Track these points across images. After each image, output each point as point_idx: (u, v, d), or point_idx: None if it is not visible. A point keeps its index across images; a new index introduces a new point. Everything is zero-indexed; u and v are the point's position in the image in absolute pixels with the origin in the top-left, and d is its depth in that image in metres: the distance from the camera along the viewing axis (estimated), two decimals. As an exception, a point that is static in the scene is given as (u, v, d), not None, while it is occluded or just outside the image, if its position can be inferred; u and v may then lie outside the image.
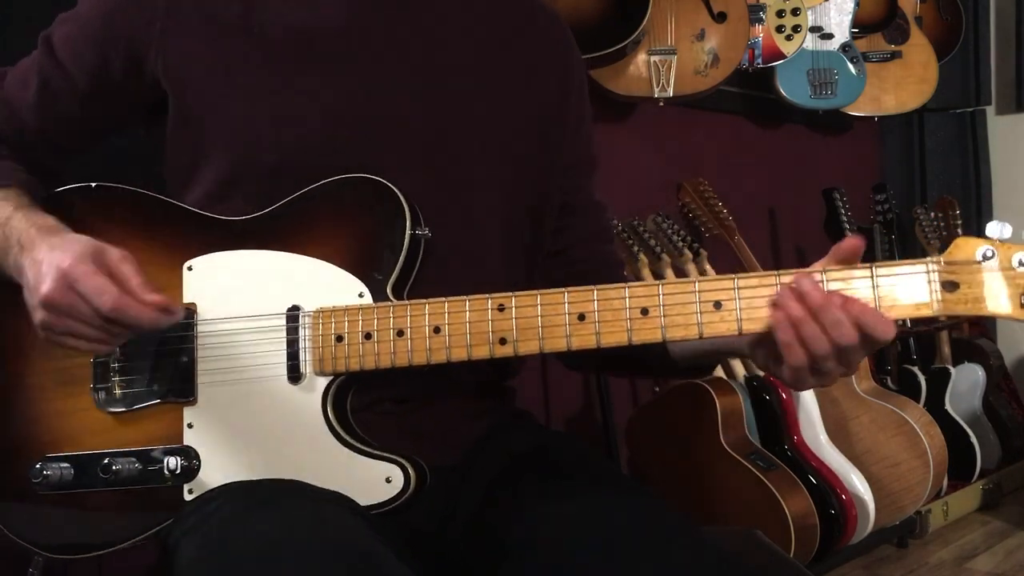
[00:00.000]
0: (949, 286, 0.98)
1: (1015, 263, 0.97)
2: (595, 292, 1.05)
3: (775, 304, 1.00)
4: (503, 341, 1.06)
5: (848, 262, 1.01)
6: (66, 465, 1.14)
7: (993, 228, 0.98)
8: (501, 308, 1.06)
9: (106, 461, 1.12)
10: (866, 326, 0.97)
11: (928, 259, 0.99)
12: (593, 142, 1.39)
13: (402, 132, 1.20)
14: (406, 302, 1.10)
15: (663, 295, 1.03)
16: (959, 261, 0.98)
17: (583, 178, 1.37)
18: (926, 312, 0.98)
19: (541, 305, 1.05)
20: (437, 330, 1.07)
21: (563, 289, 1.06)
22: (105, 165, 1.27)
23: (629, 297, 1.04)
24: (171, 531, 1.11)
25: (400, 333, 1.08)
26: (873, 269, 1.00)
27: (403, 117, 1.20)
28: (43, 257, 1.08)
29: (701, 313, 1.02)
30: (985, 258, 0.97)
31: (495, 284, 1.10)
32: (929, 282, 0.99)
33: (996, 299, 0.97)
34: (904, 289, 0.99)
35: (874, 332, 0.97)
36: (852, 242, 1.01)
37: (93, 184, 1.21)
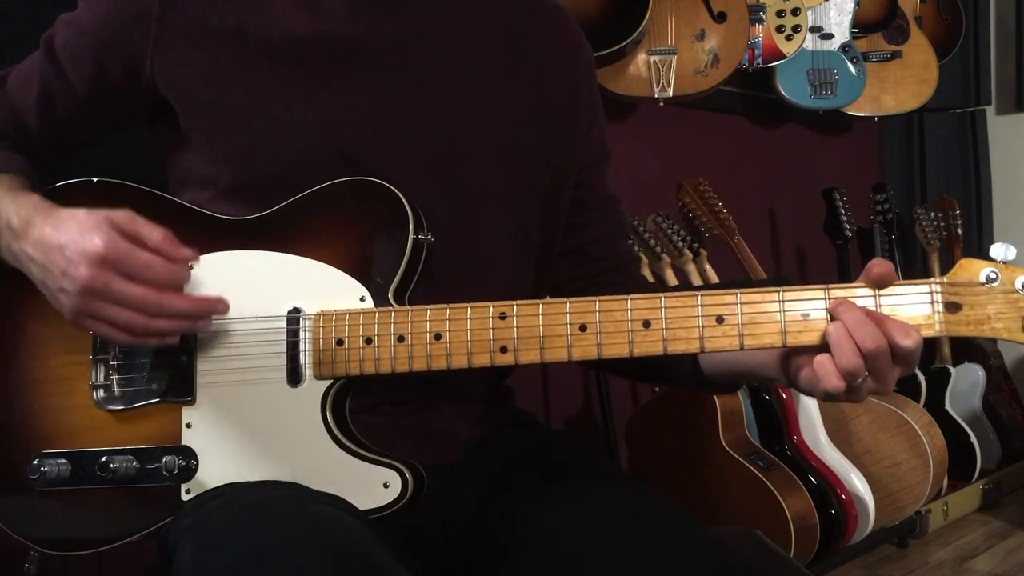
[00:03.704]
0: (952, 307, 0.98)
1: (1018, 286, 0.97)
2: (597, 303, 1.04)
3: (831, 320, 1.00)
4: (504, 349, 1.06)
5: (880, 286, 1.00)
6: (63, 462, 1.14)
7: (997, 250, 0.98)
8: (503, 316, 1.06)
9: (104, 459, 1.12)
10: (888, 330, 0.97)
11: (931, 280, 0.99)
12: (605, 136, 1.38)
13: (405, 140, 1.19)
14: (407, 307, 1.09)
15: (665, 308, 1.03)
16: (962, 283, 0.98)
17: (596, 174, 1.36)
18: (928, 332, 0.98)
19: (543, 315, 1.05)
20: (438, 336, 1.07)
21: (565, 299, 1.05)
22: (107, 161, 1.27)
23: (631, 309, 1.03)
24: (169, 531, 1.10)
25: (401, 339, 1.08)
26: (876, 291, 1.00)
27: (406, 124, 1.19)
28: (56, 239, 1.06)
29: (703, 327, 1.02)
30: (989, 280, 0.97)
31: (504, 289, 1.10)
32: (932, 303, 0.99)
33: (999, 321, 0.97)
34: (906, 309, 0.99)
35: (894, 336, 0.97)
36: (882, 269, 1.00)
37: (95, 179, 1.20)
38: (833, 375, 0.98)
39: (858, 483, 2.70)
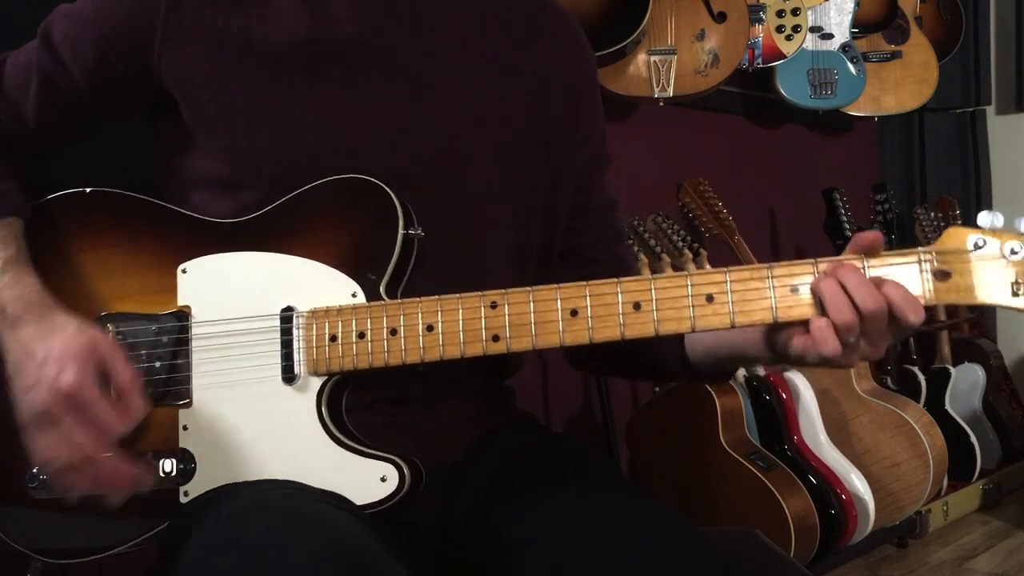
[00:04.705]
0: (941, 275, 0.98)
1: (1007, 251, 0.96)
2: (587, 288, 1.04)
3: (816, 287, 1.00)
4: (496, 338, 1.06)
5: (869, 255, 1.01)
6: None
7: (984, 218, 0.98)
8: (494, 305, 1.06)
9: None
10: (894, 303, 0.97)
11: (919, 249, 0.99)
12: (606, 141, 1.38)
13: (406, 140, 1.19)
14: (399, 301, 1.09)
15: (655, 289, 1.03)
16: (950, 250, 0.98)
17: (596, 179, 1.36)
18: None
19: (534, 302, 1.05)
20: (430, 328, 1.07)
21: (555, 285, 1.05)
22: (96, 167, 1.27)
23: (621, 292, 1.03)
24: (168, 534, 1.11)
25: (393, 332, 1.08)
26: (864, 260, 1.00)
27: (406, 125, 1.20)
28: (36, 352, 1.07)
29: (693, 307, 1.02)
30: (977, 247, 0.97)
31: (504, 288, 1.10)
32: (920, 272, 0.98)
33: (988, 288, 0.97)
34: (896, 279, 0.99)
35: (902, 312, 0.97)
36: (872, 235, 1.00)
37: (87, 189, 1.21)
38: (831, 338, 0.98)
39: (858, 483, 2.70)
